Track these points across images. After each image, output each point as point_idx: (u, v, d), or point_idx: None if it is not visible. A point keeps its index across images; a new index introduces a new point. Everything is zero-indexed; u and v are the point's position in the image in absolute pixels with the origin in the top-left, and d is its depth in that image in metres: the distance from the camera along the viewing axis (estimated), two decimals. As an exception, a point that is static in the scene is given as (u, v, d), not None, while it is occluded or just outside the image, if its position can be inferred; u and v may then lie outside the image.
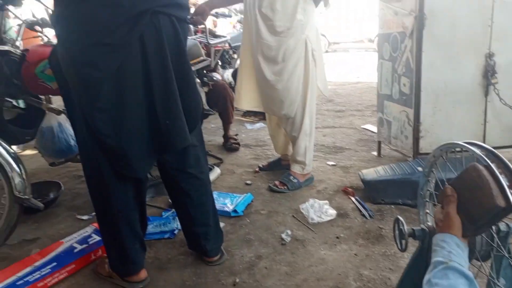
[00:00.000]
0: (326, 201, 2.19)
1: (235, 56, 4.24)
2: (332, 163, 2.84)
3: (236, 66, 4.09)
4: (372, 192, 2.23)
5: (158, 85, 1.26)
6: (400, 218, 1.03)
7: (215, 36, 2.89)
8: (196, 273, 1.66)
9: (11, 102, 1.77)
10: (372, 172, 2.32)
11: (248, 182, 2.57)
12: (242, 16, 2.54)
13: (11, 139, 1.84)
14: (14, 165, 1.74)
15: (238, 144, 3.30)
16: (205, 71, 2.72)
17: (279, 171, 2.65)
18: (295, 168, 2.46)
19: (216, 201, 2.13)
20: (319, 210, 2.09)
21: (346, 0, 13.76)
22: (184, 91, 1.33)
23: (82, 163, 1.46)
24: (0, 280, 1.56)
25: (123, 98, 1.24)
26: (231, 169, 2.82)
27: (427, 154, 1.93)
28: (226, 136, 3.32)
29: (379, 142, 2.93)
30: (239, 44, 2.74)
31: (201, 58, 2.48)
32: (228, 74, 4.09)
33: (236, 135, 3.46)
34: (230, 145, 3.25)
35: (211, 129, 3.96)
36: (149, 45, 1.22)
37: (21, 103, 1.86)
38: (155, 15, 1.21)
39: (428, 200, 1.17)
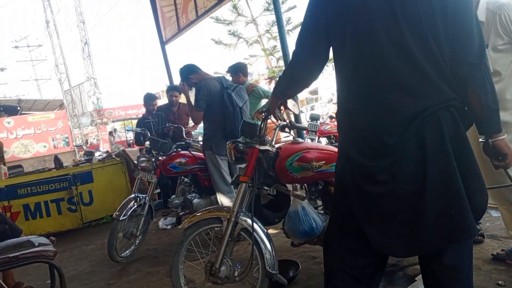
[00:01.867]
0: None
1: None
2: None
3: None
4: None
5: (435, 180, 1.25)
6: None
7: None
8: None
9: (267, 190, 2.15)
10: None
11: (501, 282, 2.16)
12: None
13: (264, 221, 2.21)
14: (268, 244, 2.05)
15: (483, 235, 2.87)
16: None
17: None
18: None
19: None
20: None
21: None
22: (468, 180, 1.28)
23: (325, 250, 1.56)
24: None
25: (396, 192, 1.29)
26: (476, 264, 2.45)
27: None
28: None
29: None
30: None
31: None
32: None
33: (479, 223, 3.03)
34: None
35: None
36: (428, 141, 1.24)
37: (272, 191, 2.22)
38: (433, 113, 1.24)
39: None
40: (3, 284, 3.02)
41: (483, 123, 1.34)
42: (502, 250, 2.49)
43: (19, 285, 3.07)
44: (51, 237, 2.85)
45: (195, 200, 3.73)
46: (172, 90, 5.24)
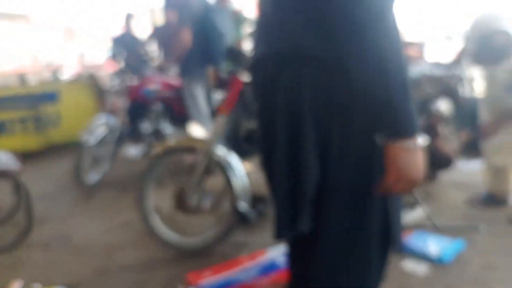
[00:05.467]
0: None
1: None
2: None
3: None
4: None
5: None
6: None
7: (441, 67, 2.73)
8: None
9: (247, 124, 2.09)
10: None
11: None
12: None
13: (241, 154, 2.18)
14: (242, 178, 2.04)
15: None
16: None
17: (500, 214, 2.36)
18: None
19: (418, 240, 2.00)
20: (558, 277, 1.68)
21: None
22: None
23: None
24: (219, 272, 1.85)
25: None
26: (439, 210, 2.56)
27: None
28: None
29: None
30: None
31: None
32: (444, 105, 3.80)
33: None
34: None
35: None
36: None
37: (252, 124, 2.16)
38: None
39: None
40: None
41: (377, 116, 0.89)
42: (475, 196, 2.66)
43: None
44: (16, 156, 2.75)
45: (168, 129, 3.66)
46: (168, 7, 4.83)
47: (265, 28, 1.04)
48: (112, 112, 4.06)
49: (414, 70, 2.50)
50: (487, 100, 2.43)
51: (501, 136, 2.35)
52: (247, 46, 4.56)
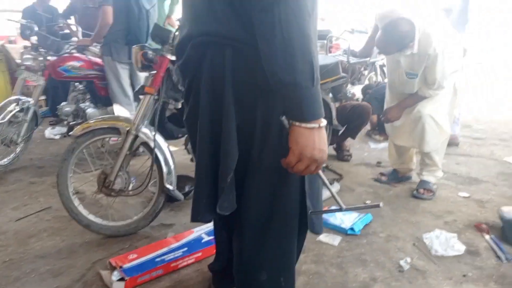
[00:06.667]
0: (455, 235, 2.03)
1: (365, 72, 4.19)
2: (465, 194, 2.59)
3: (366, 82, 4.08)
4: (512, 234, 1.99)
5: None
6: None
7: (355, 55, 2.91)
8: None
9: (173, 104, 2.06)
10: (514, 211, 2.07)
11: (368, 202, 2.51)
12: None
13: (167, 135, 2.15)
14: (169, 160, 2.02)
15: (351, 155, 3.40)
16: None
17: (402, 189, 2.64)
18: (429, 178, 2.61)
19: (333, 216, 2.17)
20: (445, 243, 1.94)
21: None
22: None
23: None
24: (144, 254, 1.83)
25: None
26: (351, 186, 2.80)
27: None
28: (340, 147, 3.41)
29: (526, 179, 2.58)
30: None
31: (339, 76, 2.55)
32: (357, 89, 4.08)
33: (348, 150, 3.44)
34: (342, 157, 3.38)
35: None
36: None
37: (178, 105, 2.13)
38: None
39: None
40: None
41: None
42: (381, 173, 2.87)
43: None
44: None
45: (89, 110, 3.46)
46: None
47: (192, 10, 1.05)
48: (26, 90, 3.74)
49: (331, 57, 2.65)
50: (391, 85, 2.65)
51: (402, 118, 2.59)
52: (175, 24, 4.42)
